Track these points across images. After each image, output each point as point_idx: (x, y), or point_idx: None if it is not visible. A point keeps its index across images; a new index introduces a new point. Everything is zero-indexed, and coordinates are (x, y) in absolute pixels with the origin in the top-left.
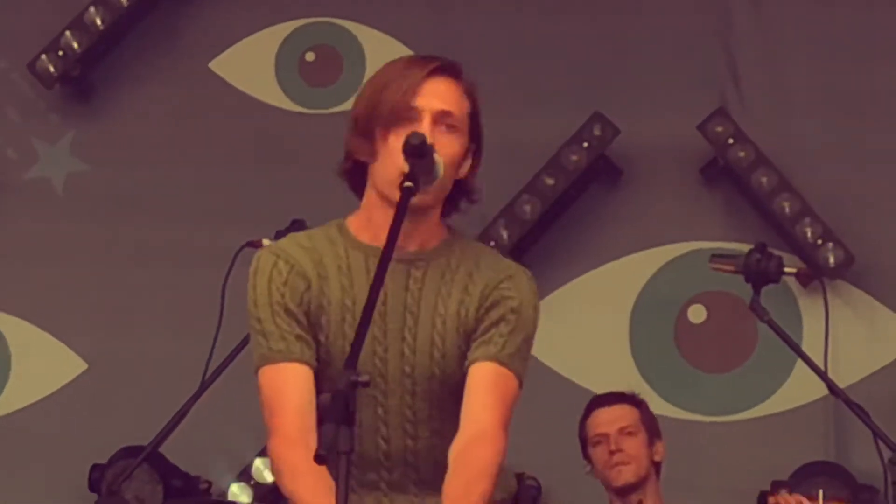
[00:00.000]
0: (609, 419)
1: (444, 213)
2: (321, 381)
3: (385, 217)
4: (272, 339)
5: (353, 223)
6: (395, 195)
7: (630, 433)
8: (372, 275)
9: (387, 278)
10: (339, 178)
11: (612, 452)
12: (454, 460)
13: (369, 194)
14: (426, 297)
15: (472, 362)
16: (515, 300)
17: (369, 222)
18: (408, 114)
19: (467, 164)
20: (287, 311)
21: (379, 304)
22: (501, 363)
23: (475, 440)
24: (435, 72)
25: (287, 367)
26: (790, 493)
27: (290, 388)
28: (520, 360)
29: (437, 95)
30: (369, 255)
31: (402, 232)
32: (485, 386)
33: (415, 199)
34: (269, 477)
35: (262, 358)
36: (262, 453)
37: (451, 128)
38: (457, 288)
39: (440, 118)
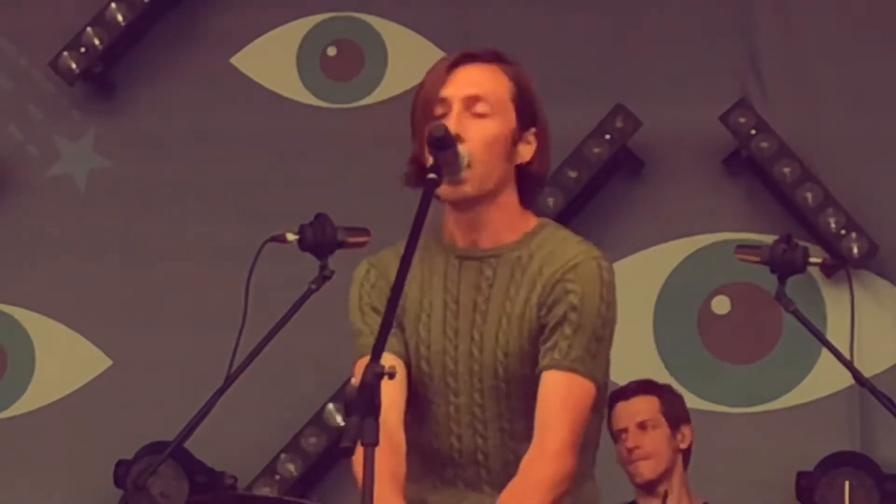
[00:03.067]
0: (627, 413)
1: (524, 203)
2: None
3: (454, 216)
4: (362, 337)
5: (443, 225)
6: (449, 196)
7: (649, 427)
8: (446, 274)
9: (460, 277)
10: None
11: (630, 450)
12: (519, 470)
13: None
14: (495, 295)
15: (541, 371)
16: (577, 295)
17: (445, 223)
18: (439, 106)
19: (525, 148)
20: (374, 309)
21: (452, 303)
22: (568, 370)
23: (540, 456)
24: (462, 59)
25: None
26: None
27: None
28: (590, 361)
29: (465, 81)
30: (450, 254)
31: (472, 228)
32: (553, 398)
33: (449, 191)
34: (294, 470)
35: (355, 353)
36: (288, 448)
37: (483, 114)
38: (525, 285)
39: (469, 104)
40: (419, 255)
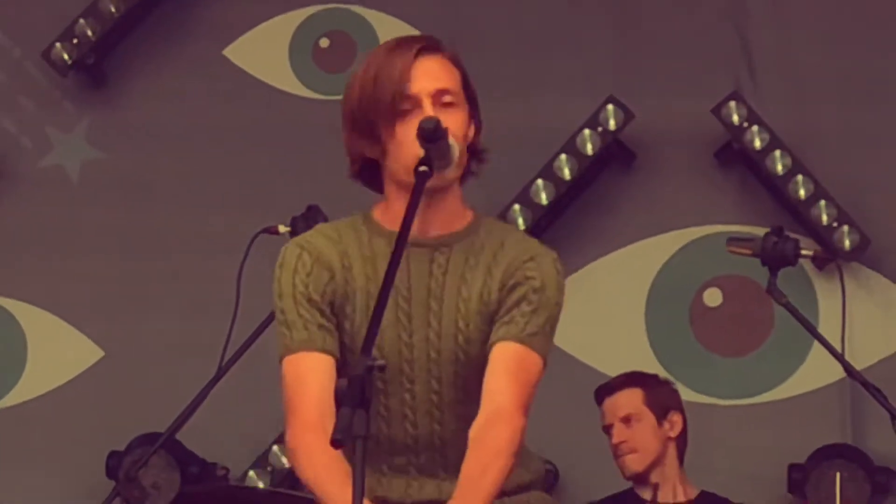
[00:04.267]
0: (611, 408)
1: (461, 180)
2: (347, 369)
3: (401, 202)
4: (295, 330)
5: (378, 212)
6: (434, 183)
7: (633, 420)
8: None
9: (411, 264)
10: (351, 180)
11: (616, 445)
12: (472, 440)
13: (388, 186)
14: (450, 281)
15: (494, 342)
16: (538, 280)
17: (391, 210)
18: (407, 102)
19: (471, 129)
20: (310, 301)
21: (403, 290)
22: (522, 342)
23: (493, 420)
24: (420, 53)
25: (309, 356)
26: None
27: (310, 376)
28: (542, 339)
29: (429, 75)
30: (392, 241)
31: (424, 217)
32: (505, 365)
33: (434, 182)
34: (287, 462)
35: (285, 348)
36: (281, 440)
37: (450, 104)
38: (480, 271)
39: (438, 97)
40: (351, 239)
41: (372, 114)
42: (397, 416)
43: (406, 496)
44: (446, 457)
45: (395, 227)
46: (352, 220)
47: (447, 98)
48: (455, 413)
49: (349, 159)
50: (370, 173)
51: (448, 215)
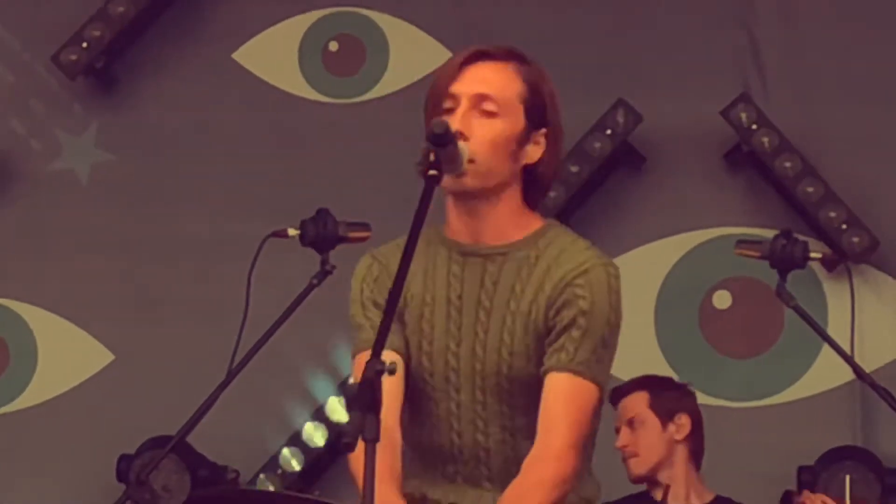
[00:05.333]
0: (621, 411)
1: (528, 203)
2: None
3: (456, 211)
4: (363, 331)
5: (445, 220)
6: (450, 187)
7: (636, 424)
8: (449, 270)
9: (464, 273)
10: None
11: (620, 448)
12: (521, 470)
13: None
14: (500, 292)
15: (546, 371)
16: (586, 300)
17: (448, 218)
18: (448, 101)
19: (533, 149)
20: (375, 304)
21: (455, 299)
22: (575, 372)
23: (543, 456)
24: (475, 56)
25: None
26: (813, 491)
27: None
28: (596, 365)
29: (475, 79)
30: (452, 250)
31: (474, 226)
32: (558, 398)
33: (450, 181)
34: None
35: (355, 348)
36: (290, 443)
37: (490, 112)
38: (532, 284)
39: (477, 101)
40: (422, 250)
41: (427, 108)
42: (444, 425)
43: (445, 498)
44: (491, 468)
45: (454, 235)
46: (428, 231)
47: (489, 105)
48: (499, 424)
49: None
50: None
51: (501, 225)
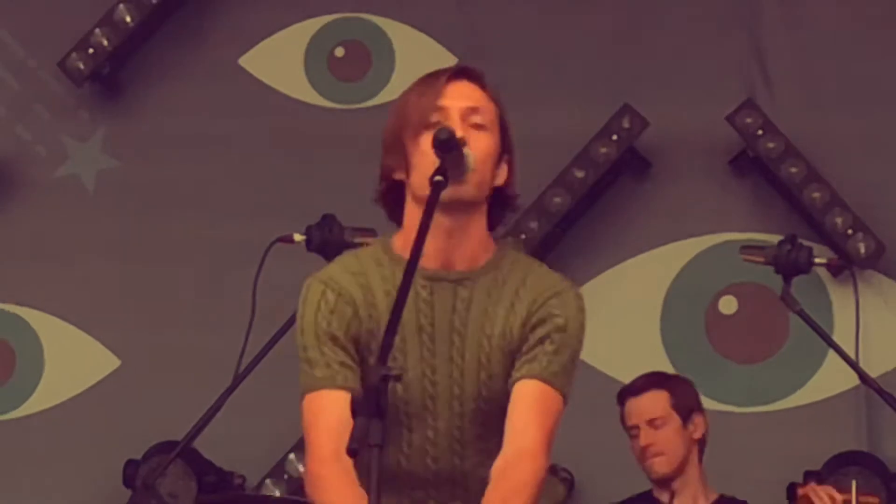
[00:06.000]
0: (638, 410)
1: (490, 226)
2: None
3: (432, 233)
4: (317, 367)
5: (398, 241)
6: (449, 197)
7: (660, 423)
8: (418, 295)
9: (434, 299)
10: (376, 204)
11: (643, 448)
12: (495, 476)
13: (410, 212)
14: (473, 317)
15: (517, 380)
16: (561, 318)
17: (411, 240)
18: (436, 114)
19: (503, 171)
20: (333, 338)
21: (427, 326)
22: (545, 381)
23: (516, 458)
24: (458, 74)
25: (328, 393)
26: (819, 483)
27: (328, 411)
28: (565, 378)
29: (462, 94)
30: (418, 276)
31: (447, 250)
32: (528, 404)
33: (450, 193)
34: (303, 469)
35: (306, 385)
36: (297, 448)
37: (480, 125)
38: (503, 306)
39: (468, 115)
40: (375, 272)
41: (401, 131)
42: (419, 452)
43: None
44: (467, 490)
45: (420, 261)
46: (373, 250)
47: (477, 118)
48: (476, 448)
49: (379, 181)
50: (394, 200)
51: (471, 248)
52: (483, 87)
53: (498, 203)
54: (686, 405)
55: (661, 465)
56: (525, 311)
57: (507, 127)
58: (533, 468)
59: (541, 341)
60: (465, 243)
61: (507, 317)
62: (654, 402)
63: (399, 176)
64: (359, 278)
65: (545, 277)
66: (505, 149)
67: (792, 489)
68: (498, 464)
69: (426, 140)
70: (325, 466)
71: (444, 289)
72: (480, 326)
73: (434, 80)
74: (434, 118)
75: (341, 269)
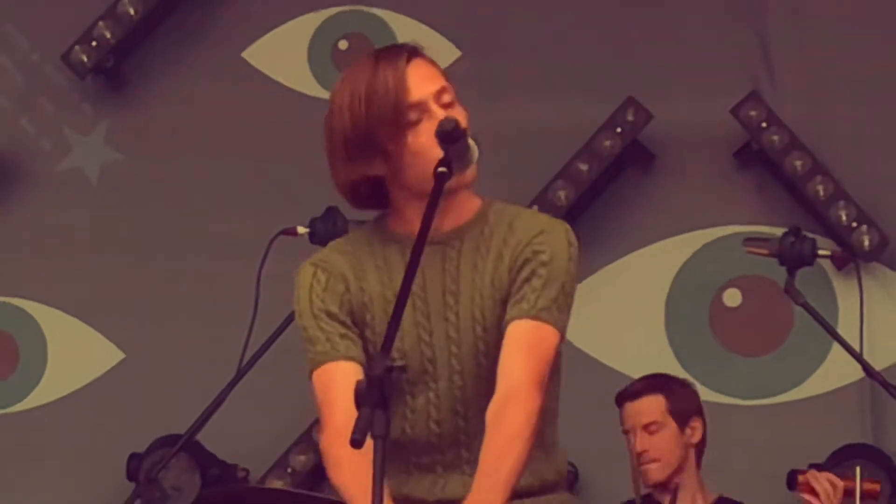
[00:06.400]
0: (633, 414)
1: None
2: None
3: (416, 207)
4: (318, 343)
5: (388, 219)
6: (454, 184)
7: (656, 429)
8: (406, 263)
9: (424, 265)
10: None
11: (638, 454)
12: (489, 424)
13: (397, 196)
14: (463, 273)
15: (507, 322)
16: (546, 253)
17: (402, 216)
18: (413, 111)
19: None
20: (328, 314)
21: (419, 291)
22: (534, 318)
23: (507, 401)
24: (408, 59)
25: (334, 366)
26: (820, 471)
27: (337, 384)
28: (556, 311)
29: (425, 79)
30: (405, 245)
31: (436, 214)
32: (518, 343)
33: (454, 183)
34: (305, 464)
35: (312, 363)
36: (301, 441)
37: (451, 104)
38: (491, 256)
39: (439, 97)
40: (365, 251)
41: (372, 129)
42: (422, 416)
43: (431, 494)
44: (471, 451)
45: (408, 230)
46: (363, 231)
47: (447, 97)
48: (479, 406)
49: (346, 190)
50: (367, 193)
51: (457, 210)
52: (426, 58)
53: None
54: (683, 410)
55: (655, 473)
56: (510, 256)
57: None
58: (525, 410)
59: (528, 279)
60: (450, 208)
61: (495, 266)
62: (650, 407)
63: (377, 172)
64: (349, 256)
65: (530, 219)
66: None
67: (792, 476)
68: (490, 409)
69: (417, 139)
70: (338, 441)
71: (432, 252)
72: (471, 281)
73: (387, 71)
74: (411, 116)
75: (331, 250)
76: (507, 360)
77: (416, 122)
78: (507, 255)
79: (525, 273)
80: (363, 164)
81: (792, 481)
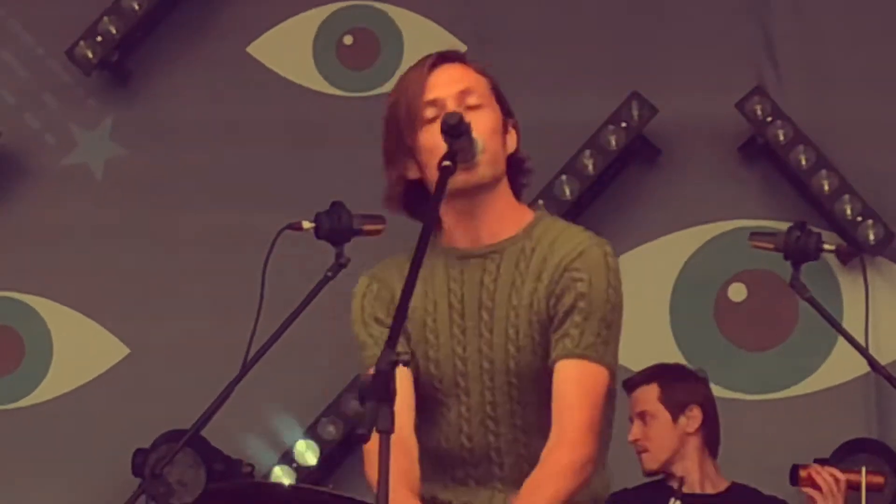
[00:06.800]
0: (632, 403)
1: (515, 194)
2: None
3: (456, 218)
4: (367, 348)
5: (439, 231)
6: (464, 182)
7: (648, 418)
8: (448, 276)
9: (463, 276)
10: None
11: (632, 441)
12: (541, 459)
13: (442, 209)
14: (500, 289)
15: (554, 361)
16: (584, 283)
17: (446, 227)
18: (430, 109)
19: (510, 138)
20: (377, 320)
21: (457, 304)
22: (581, 357)
23: (559, 444)
24: (437, 62)
25: None
26: (823, 465)
27: None
28: (602, 347)
29: (448, 80)
30: (449, 256)
31: (472, 226)
32: (568, 385)
33: (464, 180)
34: (311, 459)
35: (361, 367)
36: (306, 435)
37: (476, 105)
38: (531, 276)
39: (461, 98)
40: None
41: (398, 128)
42: (454, 430)
43: (456, 499)
44: (503, 469)
45: (451, 243)
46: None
47: (472, 99)
48: (510, 424)
49: (387, 193)
50: (413, 198)
51: (497, 222)
52: (466, 64)
53: (513, 170)
54: (676, 400)
55: (647, 461)
56: (549, 279)
57: (502, 93)
58: (573, 453)
59: (568, 312)
60: (489, 217)
61: (534, 286)
62: (645, 396)
63: (413, 175)
64: (400, 269)
65: (571, 238)
66: (507, 114)
67: (795, 470)
68: (546, 449)
69: (427, 136)
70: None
71: (473, 265)
72: (508, 299)
73: (417, 76)
74: (429, 114)
75: (390, 262)
76: (561, 404)
77: (431, 120)
78: (545, 276)
79: (564, 305)
80: (398, 164)
81: (794, 476)
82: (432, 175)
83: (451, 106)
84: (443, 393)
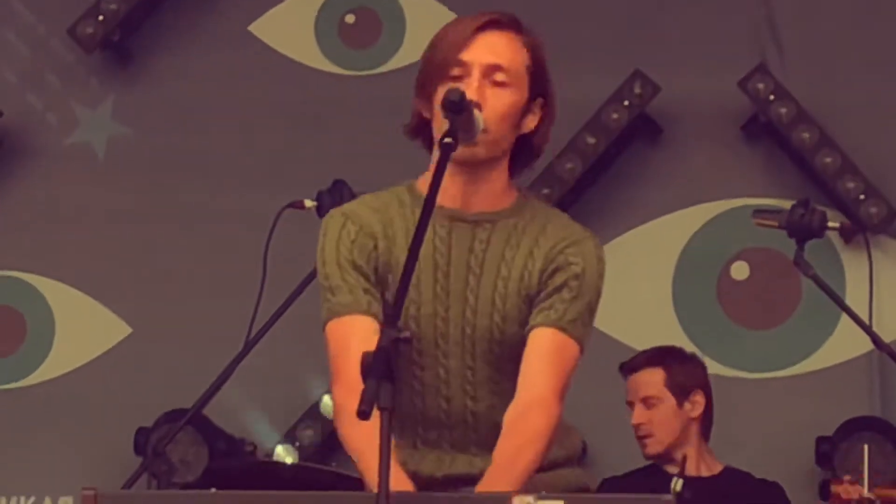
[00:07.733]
0: (634, 387)
1: (512, 171)
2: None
3: (454, 176)
4: (339, 294)
5: (421, 183)
6: (461, 156)
7: (654, 402)
8: (435, 232)
9: (452, 238)
10: (407, 137)
11: (635, 426)
12: (507, 425)
13: (434, 154)
14: (490, 258)
15: (532, 328)
16: (579, 266)
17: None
18: (457, 68)
19: (530, 119)
20: (355, 266)
21: (443, 264)
22: (561, 329)
23: (529, 407)
24: (488, 25)
25: (353, 318)
26: (852, 483)
27: (355, 338)
28: (581, 327)
29: (487, 48)
30: (436, 214)
31: (467, 191)
32: (543, 352)
33: (459, 152)
34: (312, 439)
35: (329, 312)
36: (308, 416)
37: (502, 83)
38: (522, 251)
39: (489, 71)
40: (396, 212)
41: (427, 74)
42: (431, 390)
43: (437, 470)
44: (479, 433)
45: (440, 200)
46: (396, 190)
47: (500, 76)
48: (489, 390)
49: (411, 116)
50: (427, 134)
51: (492, 192)
52: (513, 34)
53: (523, 150)
54: (681, 385)
55: (651, 446)
56: (543, 258)
57: (544, 73)
58: (545, 418)
59: (558, 289)
60: (484, 187)
61: (525, 262)
62: (649, 380)
63: (427, 115)
64: (379, 214)
65: (565, 227)
66: (537, 94)
67: (825, 486)
68: (510, 413)
69: (443, 93)
70: (353, 395)
71: (462, 228)
72: (496, 268)
73: (464, 29)
74: (455, 72)
75: (362, 204)
76: (531, 368)
77: (457, 80)
78: (538, 255)
79: (557, 281)
80: (420, 101)
81: (825, 492)
82: (437, 131)
83: (477, 76)
84: (419, 352)
